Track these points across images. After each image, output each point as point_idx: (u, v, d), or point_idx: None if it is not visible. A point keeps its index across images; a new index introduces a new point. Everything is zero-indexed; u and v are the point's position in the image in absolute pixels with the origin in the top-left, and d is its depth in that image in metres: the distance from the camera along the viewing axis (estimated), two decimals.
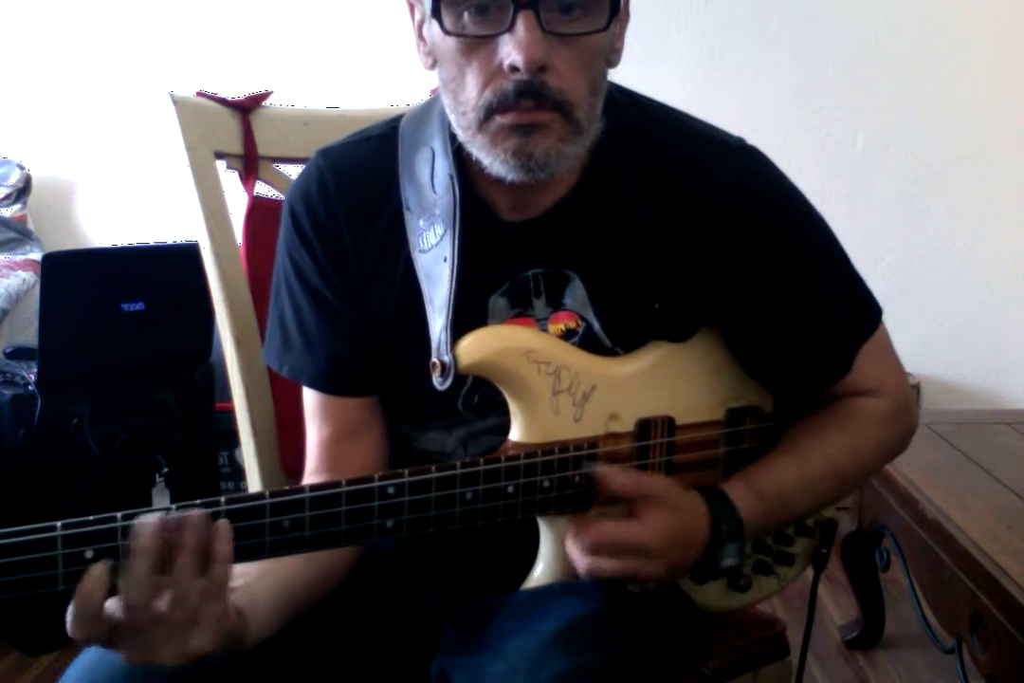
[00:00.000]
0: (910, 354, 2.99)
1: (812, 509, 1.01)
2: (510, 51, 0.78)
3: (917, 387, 2.83)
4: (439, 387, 0.87)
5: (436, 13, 0.81)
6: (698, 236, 0.91)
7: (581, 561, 0.84)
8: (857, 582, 2.08)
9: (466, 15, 0.80)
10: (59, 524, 0.70)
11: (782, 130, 2.83)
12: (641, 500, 0.86)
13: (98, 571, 0.70)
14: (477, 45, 0.81)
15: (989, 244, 2.88)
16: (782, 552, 1.03)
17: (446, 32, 0.81)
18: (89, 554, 0.70)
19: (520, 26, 0.78)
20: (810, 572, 1.07)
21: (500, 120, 0.81)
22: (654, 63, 2.80)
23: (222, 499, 0.74)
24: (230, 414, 1.23)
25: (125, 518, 0.71)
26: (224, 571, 0.73)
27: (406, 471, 0.81)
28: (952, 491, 1.66)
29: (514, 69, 0.79)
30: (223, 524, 0.73)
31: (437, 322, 0.88)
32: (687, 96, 2.79)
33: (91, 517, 0.71)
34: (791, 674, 1.14)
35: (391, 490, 0.80)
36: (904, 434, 1.03)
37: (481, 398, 0.94)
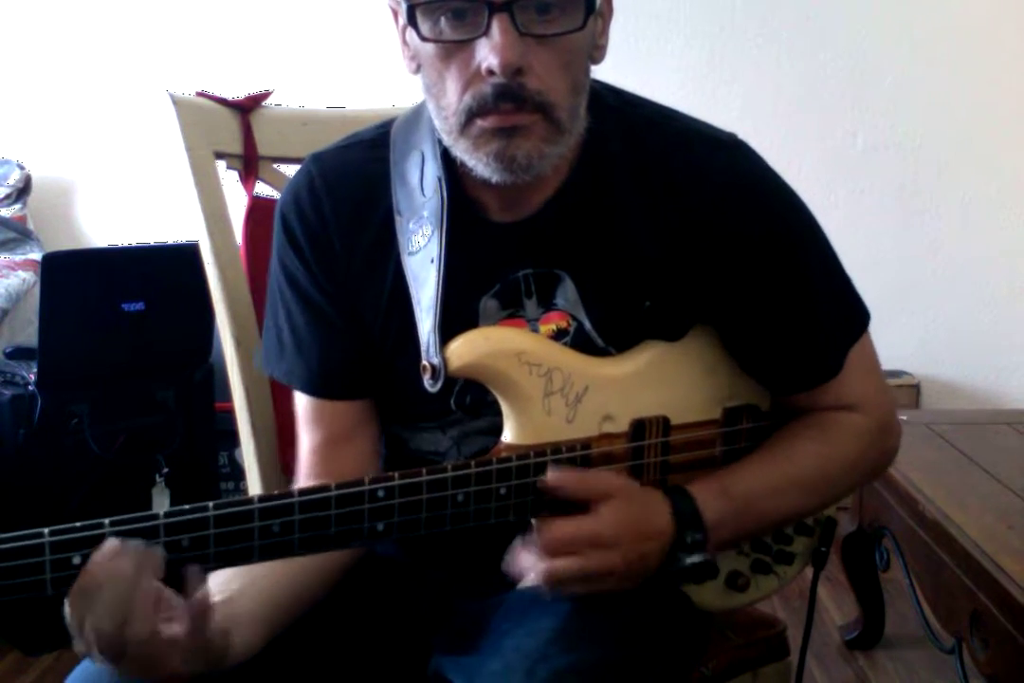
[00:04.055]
0: (910, 354, 2.99)
1: (782, 518, 0.98)
2: (486, 55, 0.79)
3: (917, 387, 2.82)
4: (430, 390, 0.87)
5: (412, 20, 0.81)
6: (689, 232, 0.91)
7: (537, 568, 0.81)
8: (857, 582, 2.08)
9: (443, 20, 0.80)
10: (46, 530, 0.70)
11: (782, 130, 2.83)
12: (594, 498, 0.84)
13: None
14: (455, 50, 0.81)
15: (989, 244, 2.88)
16: (781, 551, 1.03)
17: (423, 38, 0.82)
18: (76, 560, 0.70)
19: (495, 29, 0.78)
20: (810, 571, 1.07)
21: (481, 124, 0.82)
22: (654, 63, 2.80)
23: (210, 504, 0.74)
24: (230, 414, 1.23)
25: (113, 524, 0.71)
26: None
27: (396, 474, 0.80)
28: (952, 491, 1.65)
29: (491, 72, 0.79)
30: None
31: (425, 324, 0.88)
32: (687, 96, 2.79)
33: (78, 523, 0.71)
34: (791, 674, 1.14)
35: (381, 493, 0.79)
36: (884, 453, 1.02)
37: (474, 397, 0.94)
